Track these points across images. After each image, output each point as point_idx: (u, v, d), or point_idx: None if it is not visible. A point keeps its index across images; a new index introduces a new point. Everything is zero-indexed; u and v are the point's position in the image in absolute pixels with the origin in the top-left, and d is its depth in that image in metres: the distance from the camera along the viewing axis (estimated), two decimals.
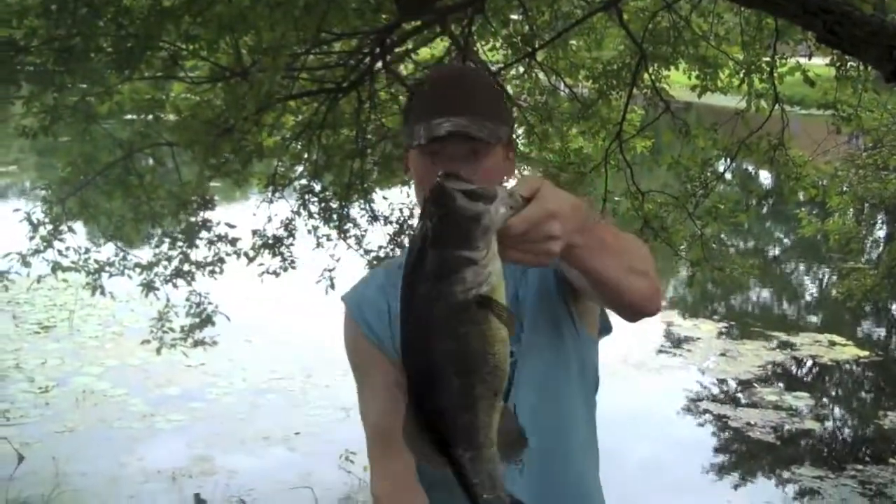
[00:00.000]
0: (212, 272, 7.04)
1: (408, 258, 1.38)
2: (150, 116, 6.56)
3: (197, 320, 7.14)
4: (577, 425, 2.00)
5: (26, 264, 6.45)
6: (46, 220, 6.52)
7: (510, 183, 1.57)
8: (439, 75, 2.06)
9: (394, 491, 1.92)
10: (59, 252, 6.52)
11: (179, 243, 6.93)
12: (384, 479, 1.94)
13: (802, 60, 7.08)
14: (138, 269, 6.91)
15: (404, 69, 7.76)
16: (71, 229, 6.63)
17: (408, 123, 1.88)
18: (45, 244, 6.47)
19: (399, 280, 1.63)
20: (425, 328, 1.37)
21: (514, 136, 2.01)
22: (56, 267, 6.52)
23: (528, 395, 1.87)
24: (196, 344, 7.21)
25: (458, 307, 1.33)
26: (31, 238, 6.48)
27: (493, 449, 1.45)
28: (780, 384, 10.35)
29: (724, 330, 12.32)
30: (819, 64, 7.36)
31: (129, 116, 7.52)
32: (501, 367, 1.40)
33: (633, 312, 1.74)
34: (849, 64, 6.95)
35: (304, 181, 7.75)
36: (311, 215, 7.60)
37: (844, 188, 9.86)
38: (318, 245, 7.56)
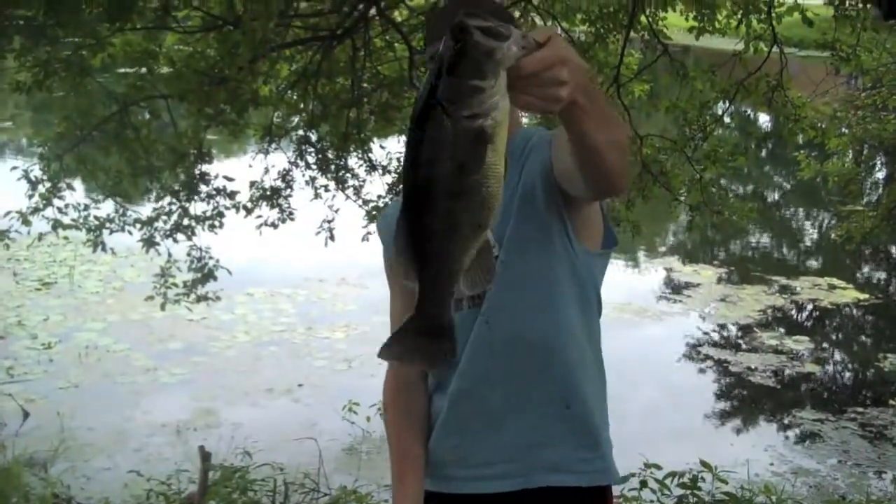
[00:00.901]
0: (211, 226, 7.03)
1: (423, 84, 1.46)
2: (144, 69, 6.51)
3: (199, 275, 7.14)
4: (568, 325, 2.07)
5: (26, 223, 6.43)
6: (45, 177, 6.50)
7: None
8: (444, 6, 2.15)
9: (397, 391, 2.22)
10: (59, 209, 6.51)
11: (178, 197, 6.91)
12: (393, 377, 2.23)
13: (800, 1, 7.00)
14: (138, 225, 6.90)
15: (399, 15, 7.68)
16: (70, 186, 6.61)
17: (428, 47, 2.02)
18: (44, 202, 6.45)
19: None
20: (430, 146, 1.44)
21: None
22: (56, 225, 6.51)
23: (509, 283, 1.96)
24: (199, 299, 7.21)
25: (461, 131, 1.41)
26: (31, 196, 6.46)
27: (458, 275, 1.54)
28: (781, 328, 10.40)
29: (724, 275, 12.35)
30: (817, 3, 7.28)
31: (122, 70, 7.47)
32: (489, 201, 1.47)
33: (606, 186, 1.82)
34: (847, 2, 6.88)
35: (300, 132, 7.70)
36: (308, 166, 7.57)
37: (843, 130, 9.81)
38: (317, 196, 7.53)
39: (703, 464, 5.15)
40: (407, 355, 1.71)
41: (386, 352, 1.69)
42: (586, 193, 1.90)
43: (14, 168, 6.55)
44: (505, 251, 1.99)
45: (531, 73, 1.41)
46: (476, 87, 1.39)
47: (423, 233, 1.49)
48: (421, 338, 1.63)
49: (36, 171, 6.53)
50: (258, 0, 4.91)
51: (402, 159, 7.38)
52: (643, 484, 5.08)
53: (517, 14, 7.78)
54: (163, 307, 7.21)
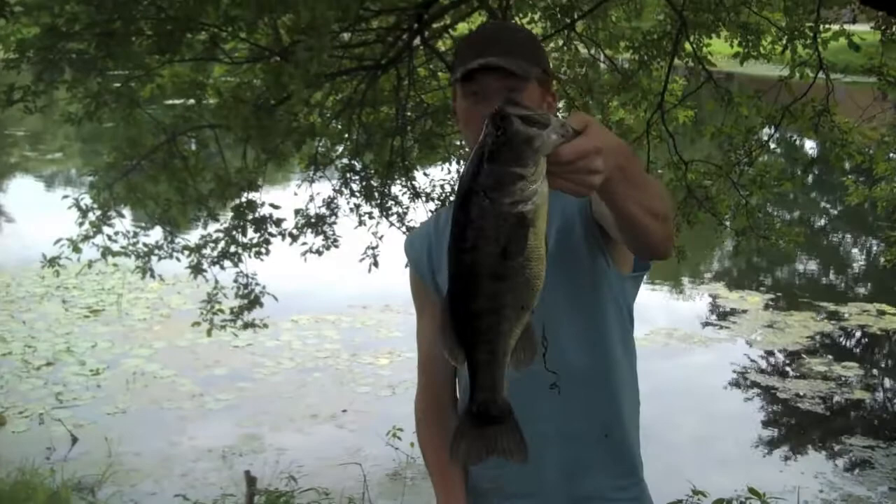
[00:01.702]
0: (258, 253, 7.08)
1: (465, 171, 1.51)
2: (192, 100, 6.60)
3: (245, 302, 7.19)
4: (613, 352, 2.09)
5: (77, 250, 6.51)
6: (94, 205, 6.59)
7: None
8: (480, 27, 2.26)
9: (429, 409, 2.26)
10: (109, 237, 6.60)
11: (227, 225, 6.98)
12: (424, 397, 2.28)
13: (846, 26, 6.96)
14: (186, 252, 6.97)
15: (442, 45, 7.74)
16: (119, 214, 6.70)
17: (453, 69, 2.07)
18: (94, 229, 6.54)
19: (445, 229, 1.97)
20: (473, 232, 1.49)
21: (552, 81, 2.15)
22: (106, 252, 6.59)
23: (552, 313, 1.98)
24: (246, 326, 7.25)
25: (503, 216, 1.46)
26: (81, 224, 6.56)
27: (507, 357, 1.59)
28: (829, 355, 10.26)
29: (770, 302, 12.21)
30: (863, 29, 7.24)
31: (170, 102, 7.58)
32: (533, 282, 1.52)
33: (648, 253, 1.88)
34: (894, 27, 6.84)
35: (345, 160, 7.77)
36: (352, 193, 7.61)
37: (892, 154, 9.70)
38: (361, 223, 7.57)
39: (752, 491, 5.09)
40: (475, 452, 1.71)
41: (455, 453, 1.73)
42: (627, 248, 1.94)
43: (65, 197, 6.66)
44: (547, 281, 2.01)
45: (567, 162, 1.45)
46: (517, 174, 1.43)
47: (469, 315, 1.54)
48: (481, 427, 1.67)
49: (86, 200, 6.63)
50: (304, 32, 4.97)
51: (446, 201, 7.45)
52: None
53: (561, 42, 7.83)
54: (209, 333, 7.26)
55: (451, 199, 7.65)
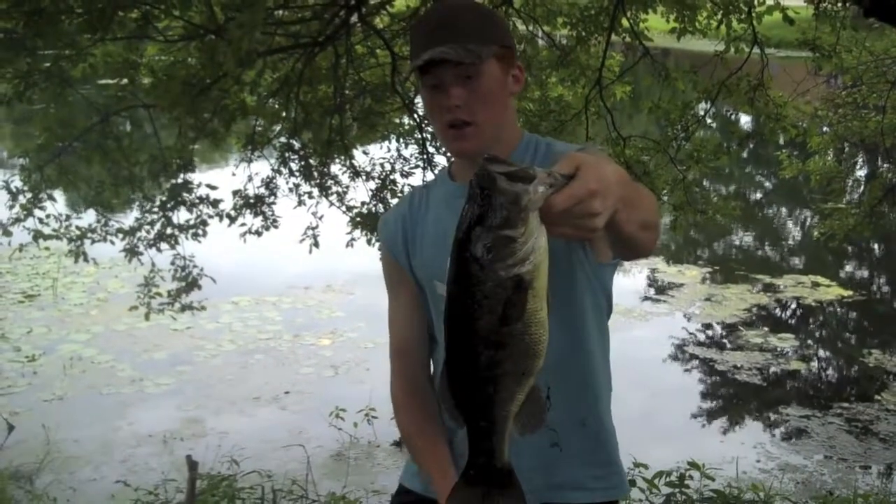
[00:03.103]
0: (195, 235, 7.00)
1: (455, 237, 1.45)
2: (125, 79, 6.48)
3: (183, 284, 7.12)
4: (589, 340, 2.08)
5: (7, 233, 6.41)
6: (25, 188, 6.47)
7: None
8: (429, 11, 2.19)
9: (407, 394, 2.19)
10: (40, 220, 6.48)
11: (162, 206, 6.88)
12: (401, 382, 2.20)
13: (780, 0, 7.04)
14: (121, 235, 6.87)
15: (380, 22, 7.68)
16: (51, 197, 6.58)
17: (410, 58, 2.02)
18: (25, 213, 6.42)
19: (419, 212, 2.10)
20: (468, 302, 1.43)
21: (513, 53, 2.06)
22: (38, 235, 6.48)
23: None
24: (184, 308, 7.18)
25: (499, 282, 1.40)
26: (11, 207, 6.43)
27: (508, 423, 1.54)
28: (765, 327, 10.44)
29: (708, 275, 12.39)
30: (797, 3, 7.32)
31: (103, 81, 7.44)
32: (535, 348, 1.46)
33: (635, 257, 1.89)
34: (827, 1, 6.93)
35: (283, 139, 7.69)
36: (291, 173, 7.55)
37: (825, 128, 9.87)
38: (300, 203, 7.52)
39: (691, 464, 5.16)
40: None
41: None
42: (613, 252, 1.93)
43: None
44: None
45: (561, 211, 1.40)
46: (507, 237, 1.38)
47: (466, 384, 1.50)
48: (477, 489, 1.62)
49: (17, 183, 6.49)
50: (239, 9, 4.89)
51: (386, 180, 7.42)
52: (632, 483, 5.08)
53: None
54: (147, 317, 7.18)
55: (392, 177, 7.64)
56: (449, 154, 2.23)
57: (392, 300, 2.21)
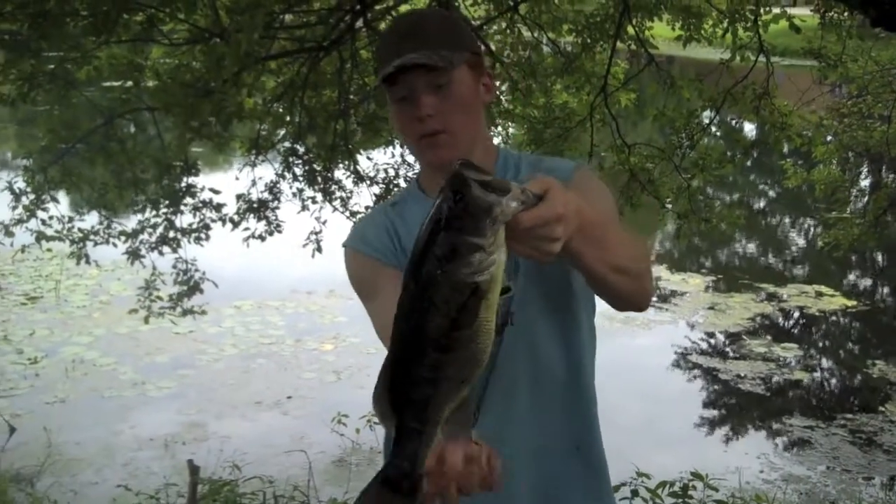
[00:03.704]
0: (197, 239, 6.99)
1: (419, 236, 1.43)
2: (129, 82, 6.49)
3: (185, 288, 7.11)
4: (585, 357, 2.01)
5: (9, 234, 6.41)
6: (29, 189, 6.46)
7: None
8: (394, 23, 2.08)
9: None
10: (43, 221, 6.47)
11: (164, 210, 6.88)
12: None
13: (786, 9, 7.03)
14: (123, 237, 6.86)
15: (385, 26, 7.67)
16: (54, 198, 6.58)
17: (376, 74, 1.93)
18: (28, 214, 6.42)
19: (397, 216, 1.99)
20: (423, 300, 1.42)
21: (483, 61, 2.00)
22: (40, 236, 6.47)
23: (526, 323, 1.90)
24: (185, 312, 7.18)
25: (457, 287, 1.39)
26: (14, 208, 6.43)
27: (437, 429, 1.51)
28: (769, 336, 10.40)
29: (711, 283, 12.35)
30: (803, 12, 7.32)
31: (108, 83, 7.44)
32: (478, 357, 1.45)
33: (617, 306, 1.83)
34: (833, 11, 6.92)
35: (287, 143, 7.68)
36: (295, 178, 7.55)
37: (829, 138, 9.84)
38: (304, 208, 7.51)
39: (695, 474, 5.13)
40: None
41: None
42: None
43: None
44: (521, 286, 1.90)
45: (526, 229, 1.41)
46: (474, 244, 1.37)
47: (408, 381, 1.47)
48: (392, 494, 1.54)
49: (20, 184, 6.49)
50: (243, 12, 4.89)
51: (390, 184, 7.40)
52: (634, 493, 5.06)
53: (504, 24, 7.81)
54: (147, 320, 7.19)
55: (395, 182, 7.63)
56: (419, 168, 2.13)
57: (376, 298, 1.99)
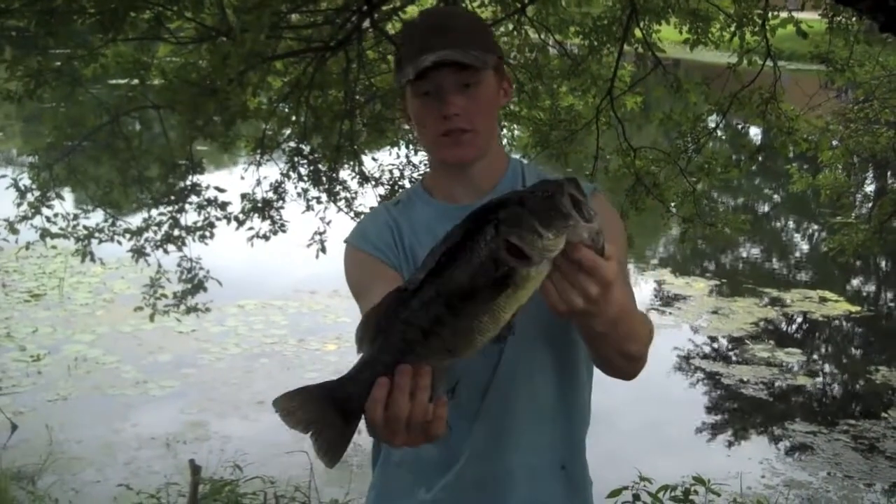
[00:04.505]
0: (202, 237, 6.99)
1: (493, 199, 1.44)
2: (136, 80, 6.49)
3: (189, 286, 7.10)
4: (580, 375, 2.00)
5: (14, 231, 6.40)
6: (34, 186, 6.47)
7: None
8: (422, 17, 2.02)
9: None
10: (48, 219, 6.47)
11: (169, 208, 6.88)
12: None
13: (794, 13, 7.02)
14: (128, 235, 6.86)
15: (392, 27, 7.66)
16: (59, 195, 6.58)
17: (399, 68, 1.89)
18: (32, 210, 6.42)
19: (401, 215, 1.98)
20: (462, 251, 1.42)
21: (504, 67, 2.00)
22: (45, 233, 6.48)
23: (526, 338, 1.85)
24: (189, 310, 7.17)
25: (496, 258, 1.39)
26: (19, 205, 6.43)
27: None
28: (772, 341, 10.39)
29: (715, 287, 12.34)
30: (811, 17, 7.30)
31: (114, 81, 7.44)
32: (475, 336, 1.44)
33: (607, 374, 1.86)
34: (841, 15, 6.91)
35: (292, 143, 7.68)
36: (300, 178, 7.54)
37: (835, 143, 9.82)
38: (308, 208, 7.50)
39: (697, 479, 5.12)
40: (307, 415, 1.56)
41: (281, 403, 1.58)
42: None
43: (2, 177, 6.52)
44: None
45: (575, 261, 1.41)
46: (536, 228, 1.39)
47: (401, 320, 1.45)
48: (330, 406, 1.52)
49: (25, 181, 6.50)
50: (250, 11, 4.88)
51: (395, 185, 7.38)
52: (636, 497, 5.04)
53: (511, 26, 7.80)
54: (152, 318, 7.17)
55: (401, 183, 7.62)
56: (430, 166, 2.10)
57: (363, 298, 1.92)
